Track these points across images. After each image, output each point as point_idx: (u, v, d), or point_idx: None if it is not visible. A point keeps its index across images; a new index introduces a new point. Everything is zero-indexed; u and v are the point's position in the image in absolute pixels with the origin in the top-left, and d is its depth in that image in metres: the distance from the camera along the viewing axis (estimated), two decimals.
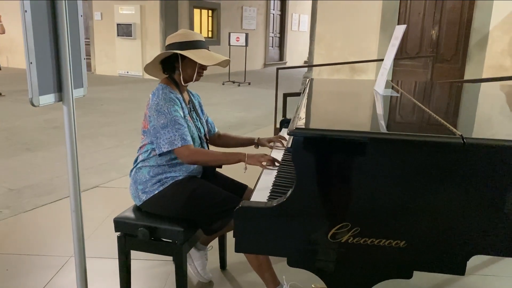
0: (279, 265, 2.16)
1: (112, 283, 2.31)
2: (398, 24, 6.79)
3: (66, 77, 1.60)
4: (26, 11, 1.43)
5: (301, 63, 16.76)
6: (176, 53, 1.98)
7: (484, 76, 6.23)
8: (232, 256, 2.47)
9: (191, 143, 1.94)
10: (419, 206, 1.30)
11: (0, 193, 3.56)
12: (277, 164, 1.86)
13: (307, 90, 2.34)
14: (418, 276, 1.39)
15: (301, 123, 1.46)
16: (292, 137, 1.34)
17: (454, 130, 1.35)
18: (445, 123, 1.47)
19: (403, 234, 1.32)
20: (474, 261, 1.37)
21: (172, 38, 2.02)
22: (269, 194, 1.59)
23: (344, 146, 1.30)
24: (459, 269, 1.33)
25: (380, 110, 1.91)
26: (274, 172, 1.83)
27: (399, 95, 2.23)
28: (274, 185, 1.68)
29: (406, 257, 1.34)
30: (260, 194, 1.59)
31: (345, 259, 1.38)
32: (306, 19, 17.40)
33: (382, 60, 2.28)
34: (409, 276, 1.37)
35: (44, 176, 3.99)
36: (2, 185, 3.72)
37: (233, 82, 11.00)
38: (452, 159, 1.25)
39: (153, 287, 2.34)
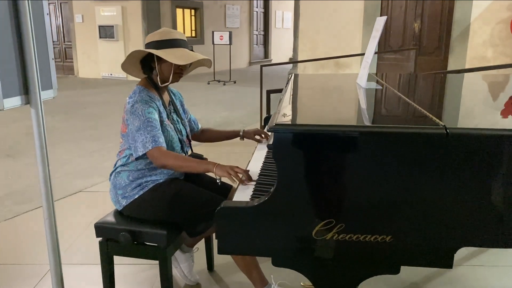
0: (267, 264, 2.12)
1: None
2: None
3: (33, 79, 1.53)
4: None
5: (286, 60, 16.73)
6: (153, 53, 1.90)
7: (467, 67, 6.28)
8: (220, 257, 2.42)
9: (164, 145, 1.84)
10: (404, 199, 1.27)
11: None
12: (248, 181, 1.65)
13: (289, 85, 2.30)
14: (405, 269, 1.37)
15: (281, 118, 1.43)
16: (273, 133, 1.30)
17: (438, 121, 1.32)
18: (429, 114, 1.45)
19: (388, 229, 1.29)
20: (461, 251, 1.36)
21: (150, 37, 1.94)
22: (251, 193, 1.55)
23: (325, 141, 1.26)
24: (447, 263, 1.31)
25: (363, 103, 1.88)
26: (258, 170, 1.79)
27: (381, 87, 2.21)
28: (257, 183, 1.64)
29: (392, 252, 1.31)
30: (243, 194, 1.55)
31: (331, 256, 1.34)
32: (289, 16, 17.39)
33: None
34: (396, 271, 1.34)
35: (25, 183, 3.89)
36: None
37: (219, 81, 10.93)
38: (436, 150, 1.23)
39: None
